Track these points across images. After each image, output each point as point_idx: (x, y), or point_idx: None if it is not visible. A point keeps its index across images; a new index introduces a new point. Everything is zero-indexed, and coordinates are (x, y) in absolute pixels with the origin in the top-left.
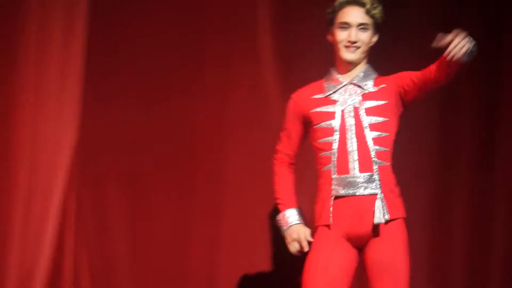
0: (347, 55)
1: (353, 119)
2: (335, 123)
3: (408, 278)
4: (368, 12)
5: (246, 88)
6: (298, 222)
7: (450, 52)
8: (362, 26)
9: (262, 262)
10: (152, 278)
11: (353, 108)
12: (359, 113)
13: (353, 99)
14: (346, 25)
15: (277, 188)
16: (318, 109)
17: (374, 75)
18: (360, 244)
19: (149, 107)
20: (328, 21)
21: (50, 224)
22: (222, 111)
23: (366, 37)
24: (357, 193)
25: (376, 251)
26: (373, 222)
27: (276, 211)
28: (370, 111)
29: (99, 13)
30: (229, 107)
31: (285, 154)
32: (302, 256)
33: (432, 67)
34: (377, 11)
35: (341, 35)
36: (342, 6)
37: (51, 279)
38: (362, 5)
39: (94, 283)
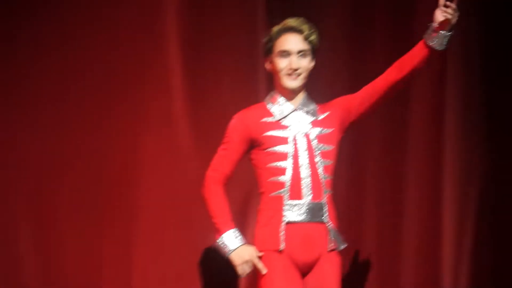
0: (290, 83)
1: (306, 145)
2: (288, 148)
3: None
4: (306, 38)
5: (157, 118)
6: (243, 243)
7: (446, 12)
8: (301, 53)
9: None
10: None
11: (304, 134)
12: (311, 140)
13: (304, 126)
14: (286, 53)
15: (215, 208)
16: (270, 133)
17: (314, 102)
18: (305, 271)
19: (58, 130)
20: (265, 50)
21: None
22: (134, 140)
23: (306, 63)
24: (310, 220)
25: (317, 278)
26: (321, 250)
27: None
28: (321, 139)
29: None
30: (140, 136)
31: (222, 173)
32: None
33: (392, 71)
34: (314, 37)
35: (282, 63)
36: (279, 34)
37: None
38: (300, 32)
39: None
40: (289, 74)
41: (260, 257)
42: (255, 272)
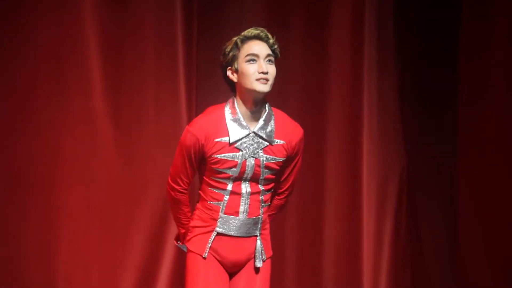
0: (261, 87)
1: (252, 169)
2: (235, 171)
3: None
4: (271, 47)
5: (75, 115)
6: None
7: None
8: (268, 58)
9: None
10: None
11: (254, 159)
12: (259, 165)
13: (255, 151)
14: (254, 57)
15: (178, 218)
16: (221, 156)
17: (273, 119)
18: (232, 270)
19: None
20: (229, 58)
21: None
22: (55, 140)
23: (273, 70)
24: (240, 235)
25: (245, 279)
26: (249, 257)
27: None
28: (268, 165)
29: None
30: (61, 136)
31: (184, 183)
32: None
33: (277, 199)
34: (277, 47)
35: (251, 68)
36: (245, 41)
37: None
38: (266, 40)
39: None
40: (258, 79)
41: (188, 253)
42: (182, 271)
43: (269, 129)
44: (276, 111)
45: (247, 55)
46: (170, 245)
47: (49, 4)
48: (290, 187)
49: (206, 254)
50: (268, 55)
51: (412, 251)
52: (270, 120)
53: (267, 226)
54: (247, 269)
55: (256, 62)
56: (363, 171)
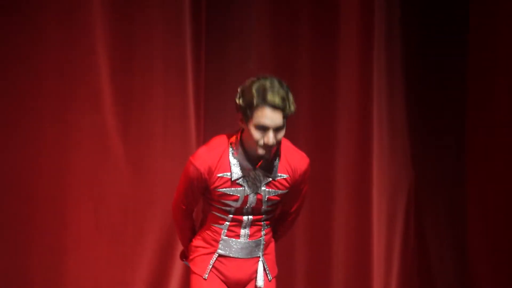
0: (263, 152)
1: (255, 202)
2: (237, 204)
3: None
4: (285, 116)
5: (84, 130)
6: None
7: None
8: (278, 127)
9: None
10: None
11: (257, 195)
12: (261, 199)
13: (258, 187)
14: (263, 128)
15: (183, 238)
16: (223, 190)
17: (277, 156)
18: None
19: None
20: (241, 111)
21: None
22: (61, 155)
23: (281, 136)
24: (241, 257)
25: None
26: (251, 276)
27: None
28: (270, 198)
29: None
30: (68, 150)
31: (188, 209)
32: None
33: (281, 224)
34: (292, 109)
35: (257, 135)
36: (259, 105)
37: None
38: (281, 109)
39: None
40: (264, 147)
41: (191, 273)
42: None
43: (272, 163)
44: (281, 142)
45: (257, 124)
46: (179, 260)
47: (58, 19)
48: (295, 212)
49: (207, 275)
50: (279, 126)
51: (420, 265)
52: (274, 156)
53: (272, 245)
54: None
55: (265, 132)
56: (373, 187)
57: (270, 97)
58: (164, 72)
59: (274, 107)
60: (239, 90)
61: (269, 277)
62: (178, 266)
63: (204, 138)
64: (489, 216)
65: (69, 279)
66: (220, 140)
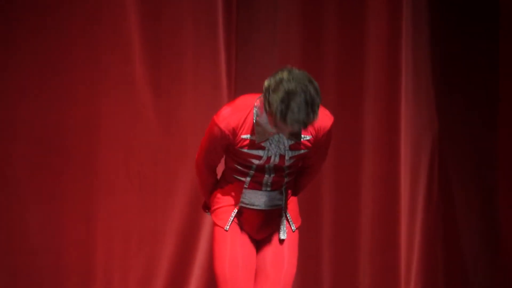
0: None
1: (278, 161)
2: (259, 162)
3: (295, 270)
4: (305, 127)
5: (115, 81)
6: None
7: None
8: (306, 142)
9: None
10: (28, 278)
11: (279, 155)
12: (284, 158)
13: (281, 148)
14: (281, 130)
15: (206, 191)
16: (246, 150)
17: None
18: (259, 238)
19: (17, 96)
20: (266, 106)
21: None
22: (92, 106)
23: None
24: (264, 208)
25: (272, 250)
26: (273, 226)
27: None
28: (293, 157)
29: None
30: (99, 101)
31: (210, 165)
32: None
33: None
34: (314, 119)
35: (276, 130)
36: (279, 121)
37: None
38: (300, 130)
39: None
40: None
41: (214, 225)
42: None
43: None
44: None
45: (278, 126)
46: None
47: None
48: (317, 166)
49: (228, 227)
50: (306, 141)
51: (444, 216)
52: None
53: (296, 204)
54: (275, 239)
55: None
56: (401, 138)
57: (290, 121)
58: (194, 21)
59: (293, 130)
60: (266, 84)
61: (292, 228)
62: (208, 217)
63: (235, 88)
64: None
65: (99, 228)
66: (245, 101)
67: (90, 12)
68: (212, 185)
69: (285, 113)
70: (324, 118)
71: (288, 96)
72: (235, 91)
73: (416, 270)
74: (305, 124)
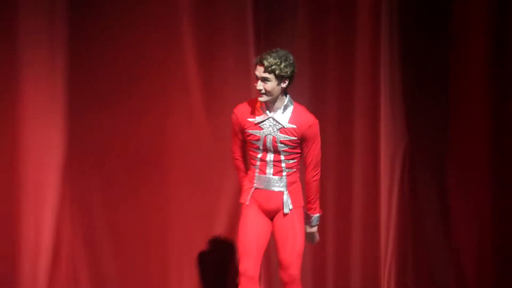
0: (259, 98)
1: (272, 143)
2: (259, 143)
3: (303, 241)
4: (266, 69)
5: (174, 90)
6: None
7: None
8: (264, 79)
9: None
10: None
11: (272, 137)
12: (276, 141)
13: (273, 131)
14: (256, 78)
15: (241, 179)
16: (249, 131)
17: (291, 109)
18: (270, 216)
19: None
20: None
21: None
22: (160, 113)
23: (268, 87)
24: (268, 188)
25: (282, 221)
26: (279, 206)
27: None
28: (283, 142)
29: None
30: (165, 109)
31: (239, 152)
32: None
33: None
34: (276, 69)
35: (256, 84)
36: (256, 63)
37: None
38: (263, 65)
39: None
40: (258, 92)
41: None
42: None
43: (285, 116)
44: (296, 104)
45: (255, 75)
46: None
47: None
48: (311, 165)
49: (248, 202)
50: (263, 77)
51: (413, 211)
52: (287, 110)
53: (297, 187)
54: (281, 216)
55: (258, 80)
56: (381, 147)
57: (261, 56)
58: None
59: (260, 63)
60: None
61: (290, 206)
62: None
63: None
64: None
65: (173, 214)
66: (252, 99)
67: (150, 22)
68: (239, 174)
69: (261, 54)
70: (306, 117)
71: (269, 51)
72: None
73: (392, 251)
74: (261, 58)
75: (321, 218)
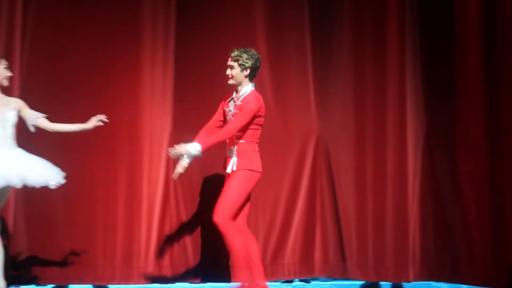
0: (228, 81)
1: (230, 117)
2: (227, 117)
3: (235, 192)
4: (232, 59)
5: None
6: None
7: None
8: (230, 66)
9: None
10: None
11: (231, 113)
12: (229, 115)
13: (231, 107)
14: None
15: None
16: (224, 108)
17: (247, 93)
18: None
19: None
20: None
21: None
22: None
23: (233, 73)
24: (228, 156)
25: (228, 180)
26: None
27: None
28: (233, 115)
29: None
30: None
31: (210, 126)
32: None
33: (216, 134)
34: (239, 59)
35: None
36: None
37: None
38: (231, 55)
39: None
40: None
41: None
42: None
43: (241, 96)
44: (254, 91)
45: None
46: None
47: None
48: (227, 124)
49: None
50: (229, 65)
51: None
52: (245, 93)
53: (245, 156)
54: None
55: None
56: (408, 134)
57: (231, 50)
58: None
59: (230, 54)
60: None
61: (233, 168)
62: (304, 190)
63: (319, 92)
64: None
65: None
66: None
67: (229, 30)
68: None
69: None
70: (250, 97)
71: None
72: (319, 95)
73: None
74: (231, 51)
75: (362, 198)
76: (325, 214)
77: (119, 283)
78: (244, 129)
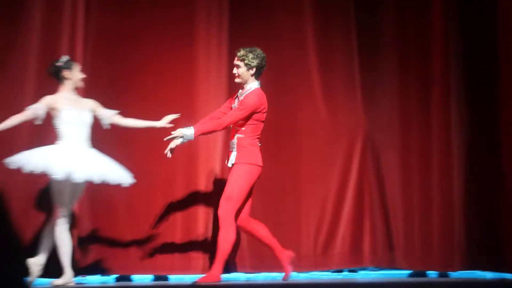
0: (235, 80)
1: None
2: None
3: (236, 187)
4: (238, 58)
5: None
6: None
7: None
8: (236, 65)
9: None
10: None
11: (237, 104)
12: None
13: (236, 104)
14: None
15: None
16: (232, 105)
17: (251, 90)
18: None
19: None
20: None
21: None
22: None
23: (240, 72)
24: (229, 150)
25: (229, 174)
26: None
27: None
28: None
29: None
30: (299, 105)
31: (213, 116)
32: None
33: (221, 121)
34: (245, 59)
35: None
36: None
37: None
38: (237, 55)
39: None
40: (234, 75)
41: None
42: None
43: (245, 93)
44: (258, 89)
45: None
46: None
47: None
48: (227, 115)
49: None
50: (236, 64)
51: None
52: (249, 90)
53: (245, 150)
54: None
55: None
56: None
57: (238, 50)
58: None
59: (236, 54)
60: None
61: (233, 161)
62: (352, 185)
63: (363, 95)
64: None
65: (304, 195)
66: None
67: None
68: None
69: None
70: (251, 94)
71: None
72: (366, 94)
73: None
74: (238, 50)
75: (408, 190)
76: (373, 207)
77: (179, 273)
78: (242, 123)
